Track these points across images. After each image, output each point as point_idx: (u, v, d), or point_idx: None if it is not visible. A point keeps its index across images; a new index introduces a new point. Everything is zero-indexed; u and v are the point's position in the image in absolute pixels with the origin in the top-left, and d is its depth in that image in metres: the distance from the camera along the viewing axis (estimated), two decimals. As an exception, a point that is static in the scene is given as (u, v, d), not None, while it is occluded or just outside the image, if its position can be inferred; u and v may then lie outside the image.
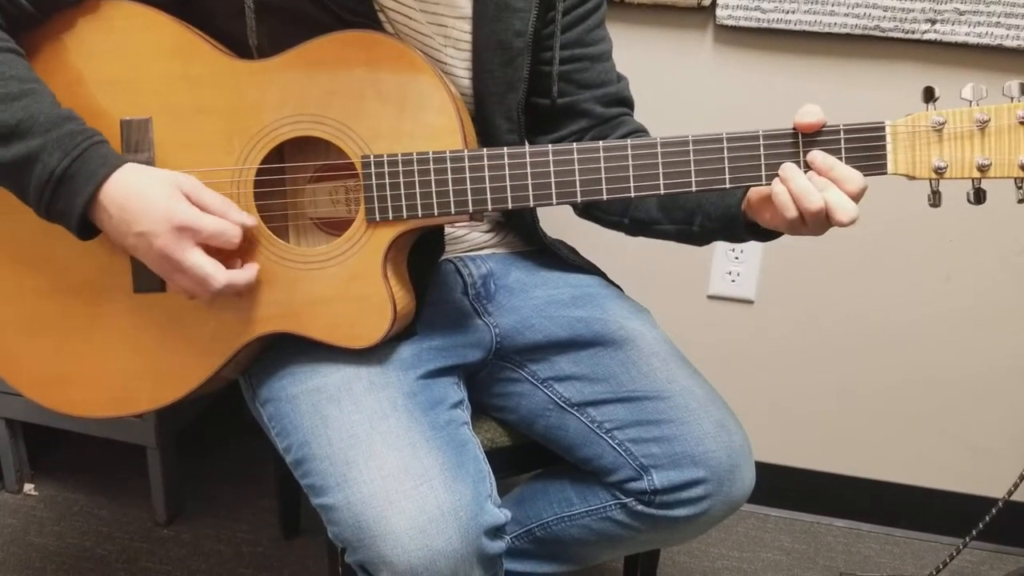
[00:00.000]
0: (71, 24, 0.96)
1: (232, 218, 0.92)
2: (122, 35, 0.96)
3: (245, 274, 0.94)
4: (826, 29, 1.49)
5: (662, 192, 0.91)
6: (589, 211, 1.16)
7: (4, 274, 1.01)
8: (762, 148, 0.89)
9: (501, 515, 0.96)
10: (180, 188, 0.90)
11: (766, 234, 0.99)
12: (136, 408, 1.03)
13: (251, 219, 0.94)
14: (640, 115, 1.19)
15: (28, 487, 1.80)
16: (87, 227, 0.91)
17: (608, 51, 1.15)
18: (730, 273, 1.70)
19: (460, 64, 1.06)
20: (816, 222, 0.89)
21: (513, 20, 1.03)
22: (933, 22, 1.46)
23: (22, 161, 0.88)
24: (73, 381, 1.02)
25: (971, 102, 0.87)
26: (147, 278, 0.98)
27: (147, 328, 1.00)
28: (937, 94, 0.88)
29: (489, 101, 1.06)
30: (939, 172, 0.88)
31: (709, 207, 1.02)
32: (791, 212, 0.89)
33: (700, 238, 1.07)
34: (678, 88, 1.60)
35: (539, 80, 1.09)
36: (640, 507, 1.08)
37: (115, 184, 0.89)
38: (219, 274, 0.91)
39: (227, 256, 0.93)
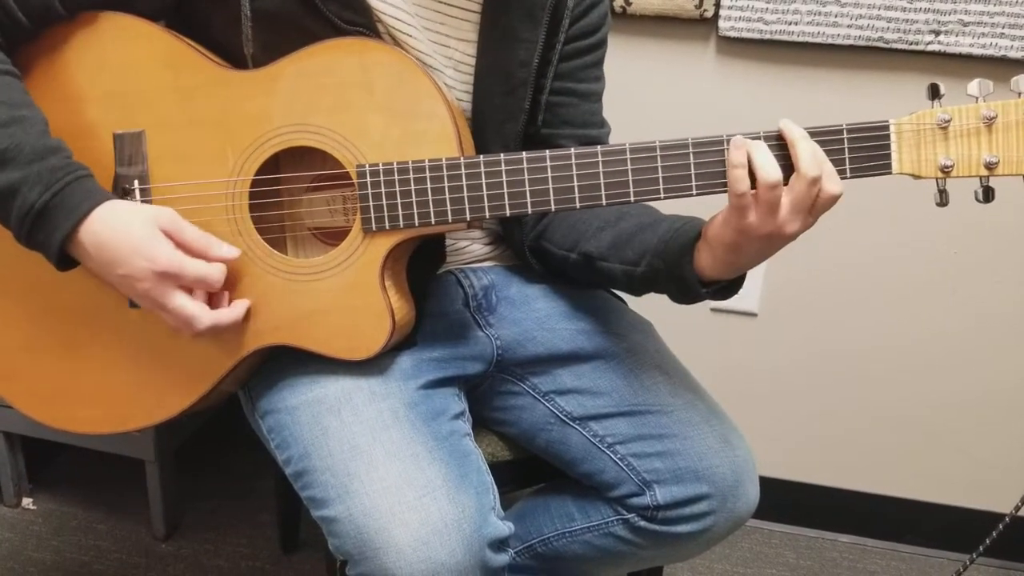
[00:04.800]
0: (64, 38, 0.96)
1: (213, 255, 0.92)
2: (114, 48, 0.96)
3: (231, 313, 0.94)
4: (829, 40, 1.49)
5: (662, 196, 0.90)
6: (540, 244, 1.12)
7: (1, 295, 1.00)
8: None
9: (505, 527, 0.95)
10: (160, 226, 0.90)
11: (714, 286, 0.94)
12: (134, 424, 1.03)
13: (234, 251, 0.94)
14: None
15: (26, 501, 1.79)
16: (66, 260, 0.91)
17: (598, 93, 1.13)
18: (733, 286, 1.69)
19: (460, 87, 1.06)
20: (769, 200, 0.84)
21: (519, 49, 1.03)
22: (937, 33, 1.46)
23: (4, 190, 0.88)
24: (70, 398, 1.02)
25: (977, 98, 0.86)
26: None
27: (144, 344, 0.99)
28: (942, 91, 0.86)
29: (487, 128, 1.05)
30: (945, 171, 0.87)
31: (660, 247, 0.97)
32: (743, 184, 0.85)
33: (642, 282, 1.01)
34: (681, 100, 1.59)
35: (536, 111, 1.07)
36: (642, 523, 1.07)
37: (95, 222, 0.88)
38: (204, 316, 0.91)
39: (215, 293, 0.93)
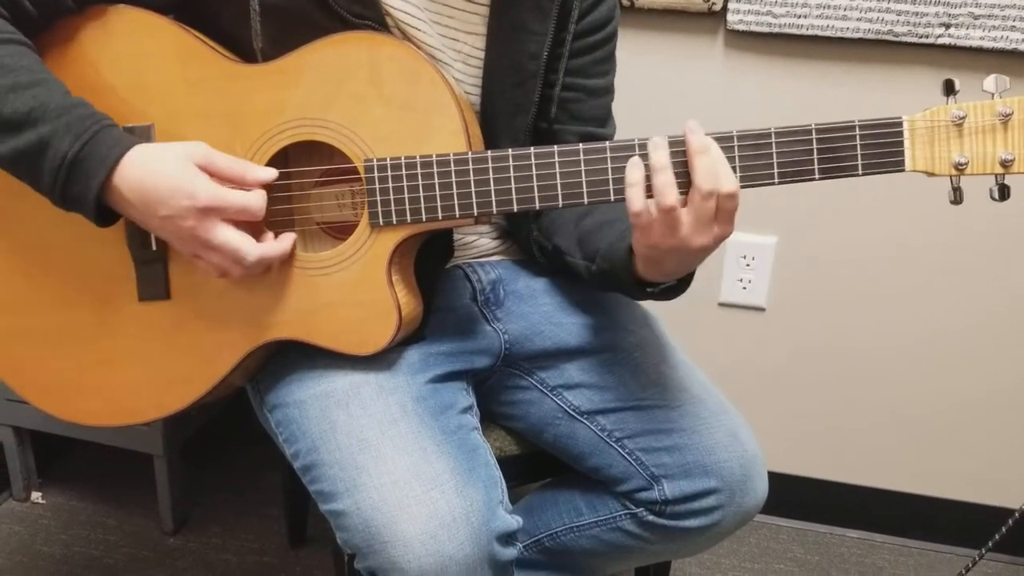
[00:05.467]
0: (73, 32, 0.96)
1: (250, 179, 0.91)
2: (123, 41, 0.96)
3: (278, 246, 0.93)
4: (838, 34, 1.48)
5: None
6: (536, 235, 1.12)
7: (11, 286, 1.01)
8: (774, 146, 0.88)
9: (513, 521, 0.95)
10: (195, 161, 0.89)
11: (660, 286, 0.95)
12: (143, 417, 1.03)
13: (271, 172, 0.93)
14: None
15: (35, 495, 1.80)
16: (105, 213, 0.91)
17: (608, 87, 1.13)
18: (741, 280, 1.68)
19: (470, 80, 1.06)
20: (666, 220, 0.84)
21: (528, 42, 1.03)
22: (947, 26, 1.45)
23: (35, 147, 0.88)
24: (80, 390, 1.02)
25: (993, 95, 0.85)
26: (152, 287, 0.98)
27: (153, 336, 0.99)
28: (958, 87, 0.85)
29: (497, 122, 1.05)
30: (959, 168, 0.86)
31: (607, 250, 0.98)
32: (637, 203, 0.85)
33: (597, 280, 1.01)
34: (689, 93, 1.59)
35: (545, 105, 1.07)
36: (651, 517, 1.07)
37: (129, 165, 0.88)
38: (252, 248, 0.90)
39: (256, 229, 0.93)
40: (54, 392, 1.03)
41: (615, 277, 0.97)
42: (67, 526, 1.72)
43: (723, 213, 0.85)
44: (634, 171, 0.86)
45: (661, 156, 0.85)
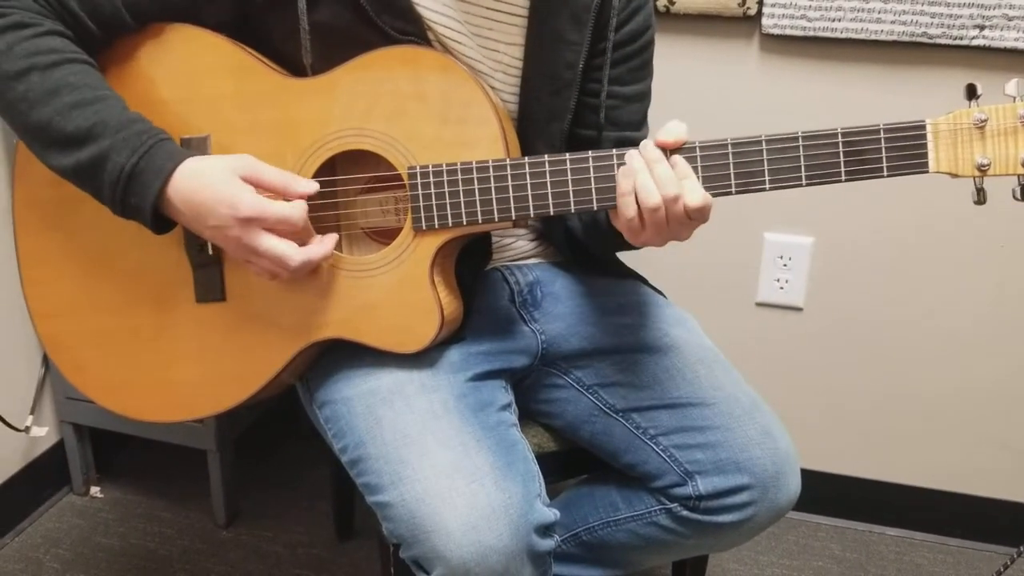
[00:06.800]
0: (134, 48, 1.01)
1: (293, 191, 0.96)
2: (181, 57, 1.01)
3: (320, 248, 0.97)
4: (872, 36, 1.49)
5: None
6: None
7: (75, 289, 1.06)
8: (801, 149, 0.90)
9: (550, 514, 0.98)
10: (239, 174, 0.94)
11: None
12: (199, 413, 1.08)
13: (313, 185, 0.97)
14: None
15: (94, 489, 1.85)
16: (161, 221, 0.96)
17: (644, 92, 1.15)
18: (778, 280, 1.70)
19: (508, 89, 1.09)
20: (654, 221, 0.91)
21: (565, 52, 1.05)
22: (981, 28, 1.45)
23: (96, 161, 0.93)
24: (140, 388, 1.07)
25: (1015, 98, 0.87)
26: (208, 289, 1.03)
27: (209, 337, 1.04)
28: (979, 91, 0.87)
29: (534, 128, 1.08)
30: (982, 169, 0.88)
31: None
32: (630, 211, 0.91)
33: (590, 238, 1.09)
34: (724, 97, 1.61)
35: (579, 111, 1.09)
36: (685, 512, 1.09)
37: (180, 179, 0.93)
38: (294, 253, 0.95)
39: (306, 234, 0.97)
40: (115, 390, 1.08)
41: (604, 236, 1.03)
42: (124, 519, 1.77)
43: (694, 218, 0.91)
44: (626, 181, 0.92)
45: (638, 159, 0.92)
